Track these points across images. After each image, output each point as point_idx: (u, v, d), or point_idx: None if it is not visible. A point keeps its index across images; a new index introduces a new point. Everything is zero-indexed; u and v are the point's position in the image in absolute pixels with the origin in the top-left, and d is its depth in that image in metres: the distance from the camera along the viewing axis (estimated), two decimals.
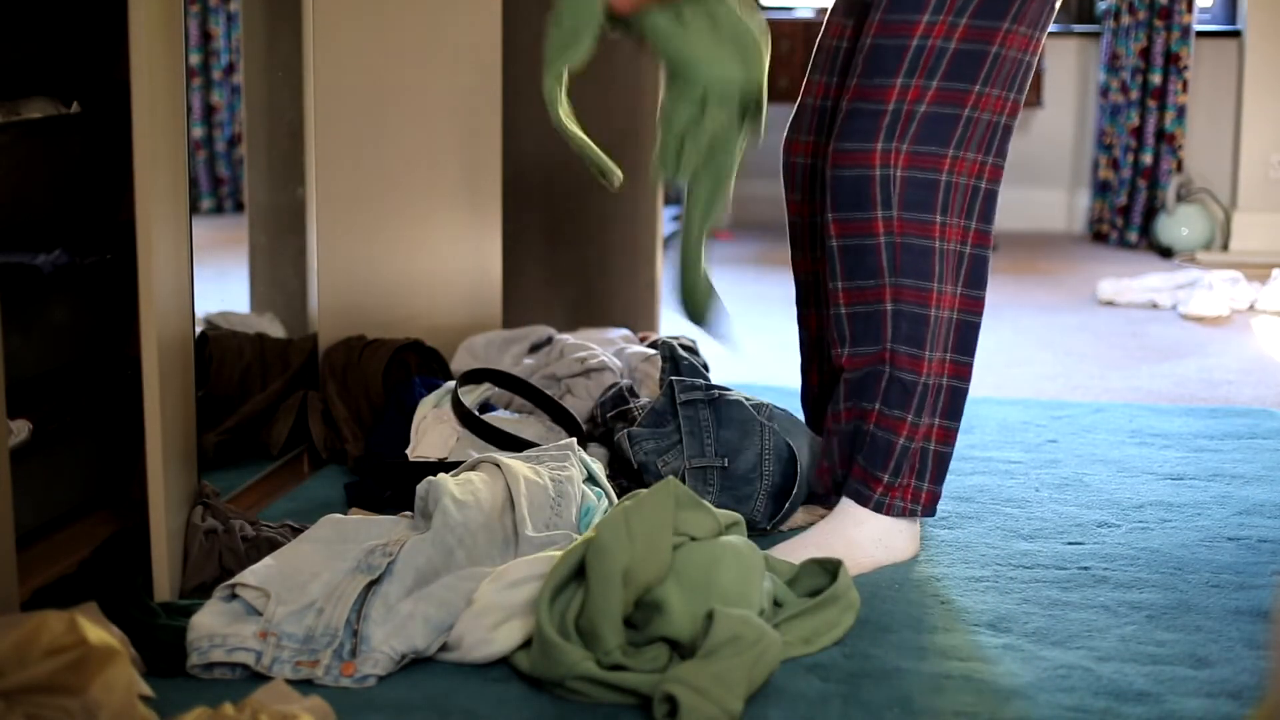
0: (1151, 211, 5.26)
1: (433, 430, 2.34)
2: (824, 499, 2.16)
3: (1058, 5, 2.01)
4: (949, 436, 2.05)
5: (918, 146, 1.95)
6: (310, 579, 1.76)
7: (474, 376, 2.49)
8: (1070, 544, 2.12)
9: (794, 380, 2.36)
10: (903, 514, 2.04)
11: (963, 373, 2.05)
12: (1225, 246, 5.19)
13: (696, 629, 1.63)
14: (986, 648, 1.76)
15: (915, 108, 1.95)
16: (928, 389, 2.01)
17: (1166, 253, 5.07)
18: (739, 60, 1.95)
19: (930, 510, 2.06)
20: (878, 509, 2.03)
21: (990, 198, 2.03)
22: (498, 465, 1.96)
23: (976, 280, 2.04)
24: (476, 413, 2.36)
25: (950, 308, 2.01)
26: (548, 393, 2.51)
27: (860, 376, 2.03)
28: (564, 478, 1.99)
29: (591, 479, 2.07)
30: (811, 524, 2.12)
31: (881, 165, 1.95)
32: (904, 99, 1.95)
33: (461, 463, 2.03)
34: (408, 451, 2.32)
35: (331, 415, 2.48)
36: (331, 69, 2.48)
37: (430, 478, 1.90)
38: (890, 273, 1.98)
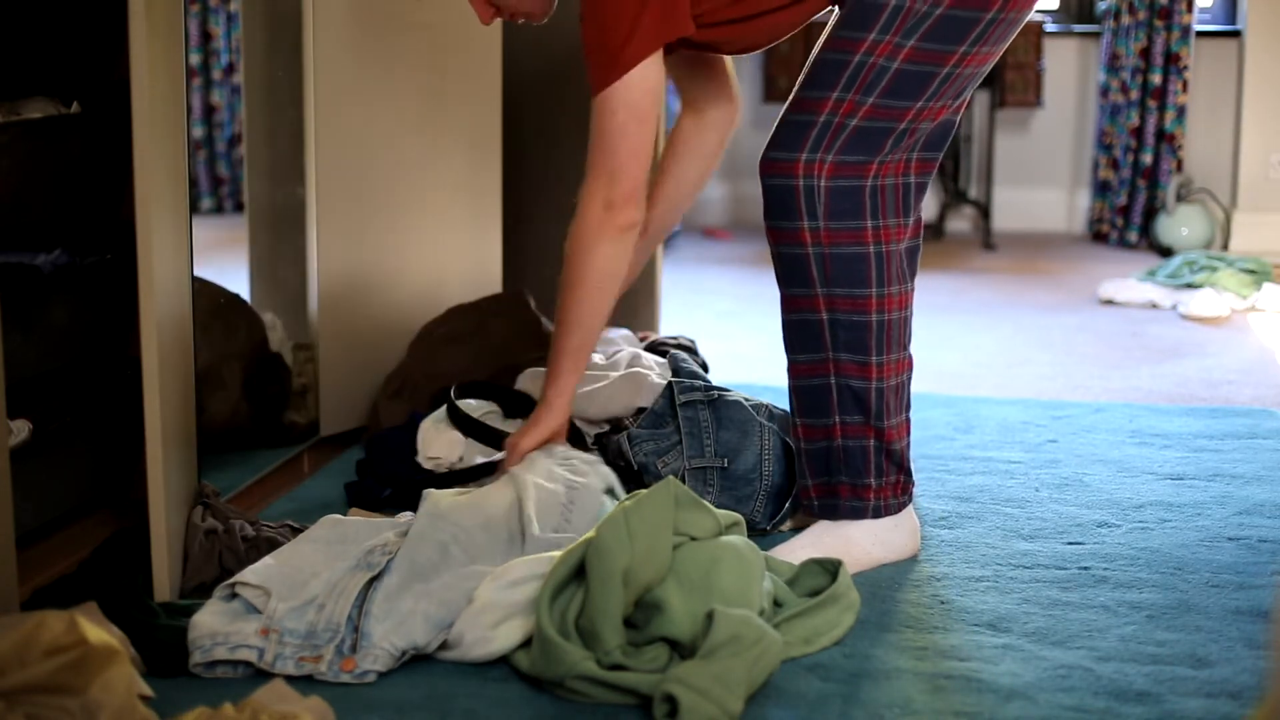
0: (1151, 211, 5.25)
1: (440, 437, 2.34)
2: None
3: (1018, 20, 1.96)
4: (909, 428, 2.07)
5: (843, 156, 1.94)
6: (310, 578, 1.76)
7: (466, 390, 2.48)
8: (1070, 544, 2.12)
9: None
10: (898, 509, 2.04)
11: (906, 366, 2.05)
12: (1225, 246, 5.19)
13: (696, 629, 1.62)
14: (986, 648, 1.76)
15: (846, 121, 1.93)
16: (882, 392, 2.00)
17: (1167, 253, 5.07)
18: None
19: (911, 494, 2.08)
20: (875, 514, 2.03)
21: (920, 190, 2.03)
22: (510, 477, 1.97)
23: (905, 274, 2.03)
24: (474, 416, 2.35)
25: (895, 309, 2.00)
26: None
27: (808, 388, 2.02)
28: (579, 484, 1.99)
29: (611, 492, 2.06)
30: (810, 524, 2.12)
31: (805, 175, 1.94)
32: (836, 112, 1.93)
33: (471, 468, 2.03)
34: (418, 459, 2.31)
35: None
36: (331, 69, 2.48)
37: (430, 490, 1.92)
38: (821, 283, 1.97)
